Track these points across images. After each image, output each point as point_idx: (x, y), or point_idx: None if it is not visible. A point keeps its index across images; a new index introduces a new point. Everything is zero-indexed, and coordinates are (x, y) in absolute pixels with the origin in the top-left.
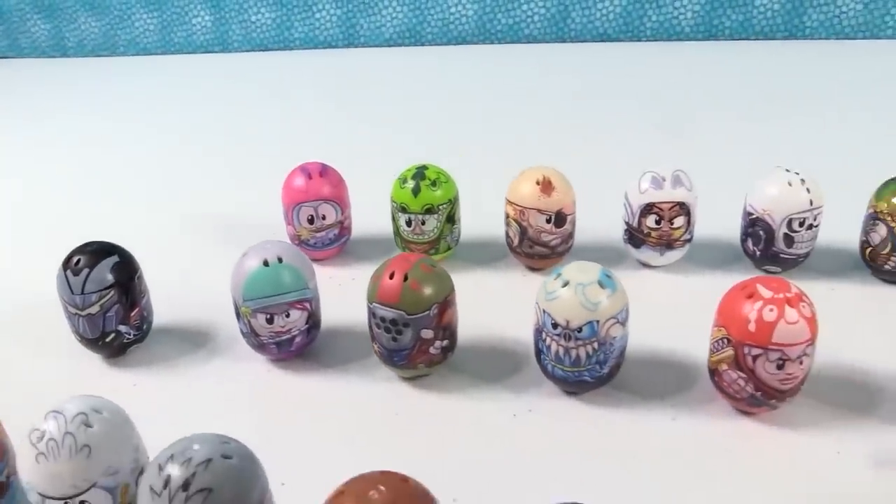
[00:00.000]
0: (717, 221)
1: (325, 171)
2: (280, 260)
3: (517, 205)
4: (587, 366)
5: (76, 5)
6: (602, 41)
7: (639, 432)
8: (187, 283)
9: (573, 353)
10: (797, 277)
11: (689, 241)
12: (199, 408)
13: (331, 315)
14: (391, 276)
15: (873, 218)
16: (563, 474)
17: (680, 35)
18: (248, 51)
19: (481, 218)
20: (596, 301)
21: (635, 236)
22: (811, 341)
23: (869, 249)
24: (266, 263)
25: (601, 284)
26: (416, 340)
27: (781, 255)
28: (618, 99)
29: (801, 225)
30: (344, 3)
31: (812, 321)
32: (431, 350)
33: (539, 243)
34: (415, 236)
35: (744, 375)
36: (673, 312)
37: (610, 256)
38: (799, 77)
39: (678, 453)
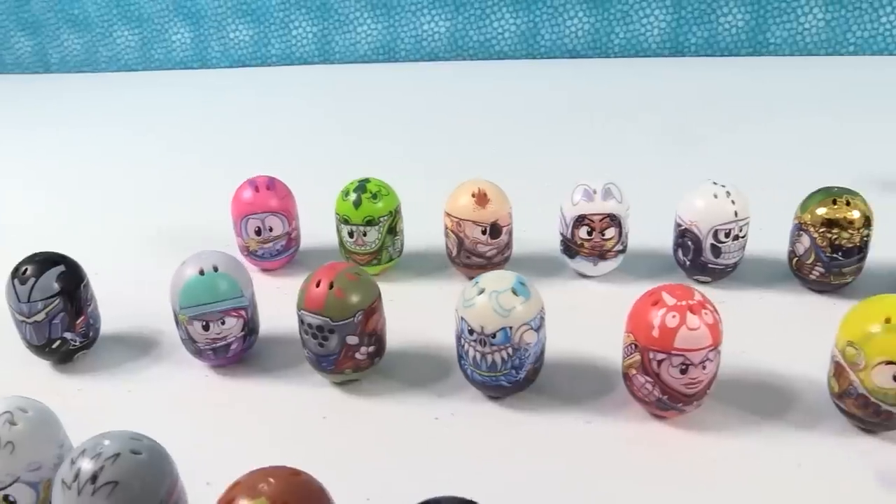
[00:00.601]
0: (658, 232)
1: (272, 184)
2: (216, 269)
3: (454, 216)
4: (503, 371)
5: (59, 22)
6: (571, 58)
7: (555, 435)
8: (139, 292)
9: (489, 358)
10: (727, 287)
11: (622, 251)
12: (138, 411)
13: (274, 323)
14: (317, 285)
15: (798, 229)
16: (477, 475)
17: (647, 52)
18: (226, 67)
19: (434, 230)
20: (509, 308)
21: (570, 247)
22: (713, 347)
23: (795, 259)
24: (202, 272)
25: (515, 292)
26: (342, 346)
27: (710, 266)
28: (585, 114)
29: (727, 236)
30: (319, 20)
31: (714, 328)
32: (357, 356)
33: (475, 254)
34: (357, 247)
35: (651, 380)
36: (603, 320)
37: (549, 267)
38: (762, 92)
39: (591, 455)
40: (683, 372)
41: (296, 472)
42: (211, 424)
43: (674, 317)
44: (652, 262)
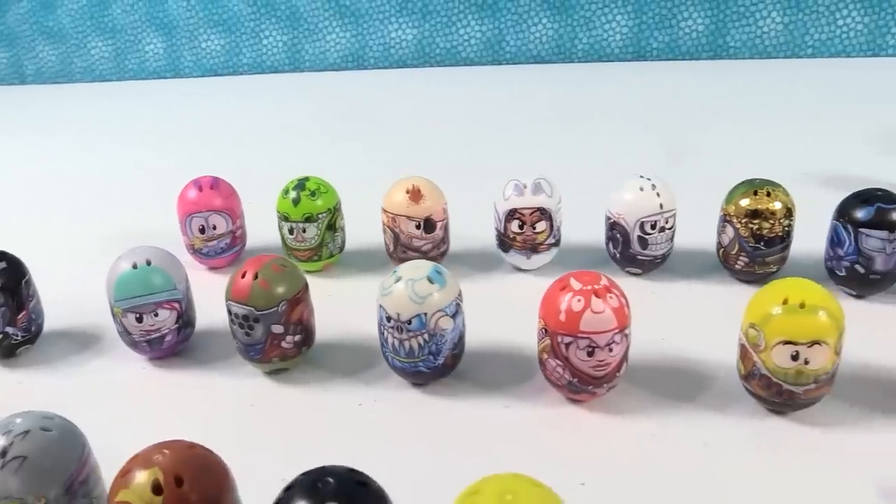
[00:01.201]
0: (594, 226)
1: (216, 183)
2: (148, 263)
3: (389, 212)
4: (421, 357)
5: (34, 34)
6: (536, 63)
7: (473, 419)
8: (86, 289)
9: (406, 344)
10: (658, 278)
11: (554, 244)
12: (76, 402)
13: (215, 318)
14: (243, 276)
15: (723, 220)
16: (396, 459)
17: (610, 56)
18: (199, 76)
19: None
20: (424, 295)
21: (504, 241)
22: (619, 330)
23: (721, 250)
24: (135, 266)
25: (430, 280)
26: (268, 335)
27: (639, 257)
28: (550, 117)
29: (653, 227)
30: (289, 29)
31: (620, 311)
32: (284, 344)
33: (411, 248)
34: (297, 244)
35: (560, 363)
36: (531, 312)
37: (488, 261)
38: (723, 95)
39: (507, 439)
40: (590, 354)
41: (192, 446)
42: (144, 414)
43: (579, 301)
44: (586, 256)
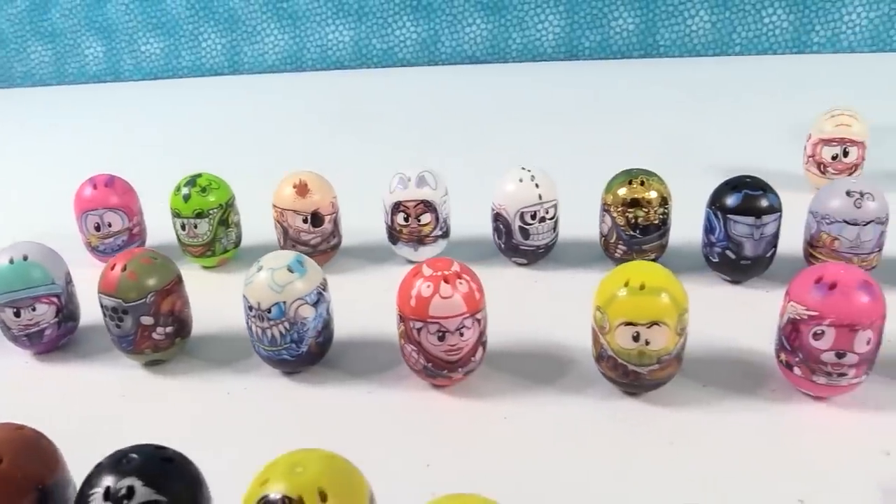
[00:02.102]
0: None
1: (111, 181)
2: (25, 258)
3: (278, 207)
4: (283, 345)
5: None
6: (471, 63)
7: (338, 405)
8: None
9: (269, 332)
10: (543, 268)
11: (441, 236)
12: None
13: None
14: (112, 268)
15: (602, 210)
16: (259, 446)
17: (543, 56)
18: (139, 80)
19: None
20: (283, 283)
21: (392, 234)
22: (469, 315)
23: (603, 239)
24: (11, 261)
25: (290, 269)
26: (137, 327)
27: (521, 247)
28: (484, 117)
29: (532, 217)
30: (228, 32)
31: (470, 296)
32: (155, 336)
33: (300, 242)
34: (190, 239)
35: (415, 348)
36: None
37: (382, 254)
38: (653, 92)
39: (368, 423)
40: (441, 339)
41: (19, 427)
42: (23, 408)
43: (428, 286)
44: (476, 247)
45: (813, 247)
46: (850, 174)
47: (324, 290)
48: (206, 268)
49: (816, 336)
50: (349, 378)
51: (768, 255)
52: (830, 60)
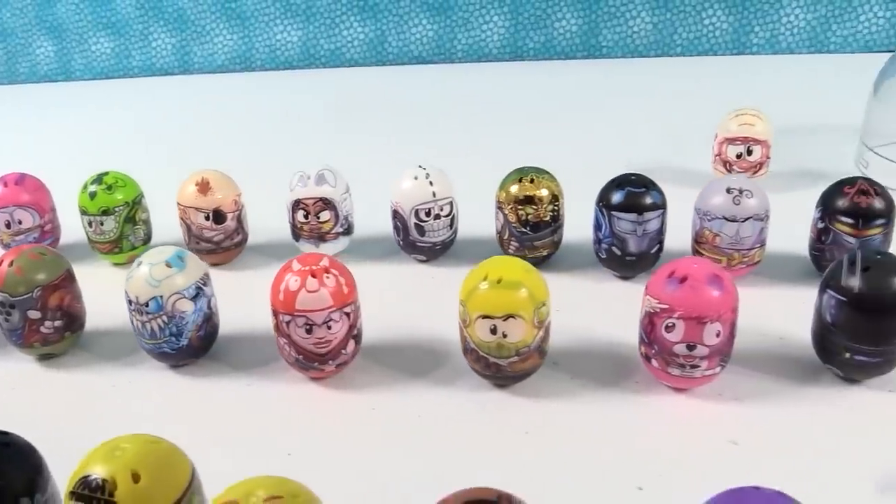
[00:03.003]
0: None
1: (21, 179)
2: None
3: (181, 205)
4: (163, 338)
5: None
6: (418, 63)
7: (216, 397)
8: None
9: (148, 326)
10: (442, 264)
11: (343, 233)
12: None
13: None
14: (0, 264)
15: (497, 207)
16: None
17: (488, 56)
18: (90, 79)
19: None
20: (160, 278)
21: (294, 231)
22: (336, 308)
23: (497, 236)
24: None
25: (168, 264)
26: (25, 321)
27: (419, 244)
28: (430, 116)
29: (427, 215)
30: (178, 32)
31: (338, 290)
32: (43, 329)
33: (203, 239)
34: (97, 236)
35: (286, 341)
36: None
37: (288, 251)
38: (595, 91)
39: (244, 414)
40: (309, 332)
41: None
42: None
43: (296, 281)
44: (380, 244)
45: (698, 243)
46: (754, 172)
47: (204, 285)
48: (116, 264)
49: (668, 328)
50: (232, 371)
51: (653, 251)
52: (769, 61)
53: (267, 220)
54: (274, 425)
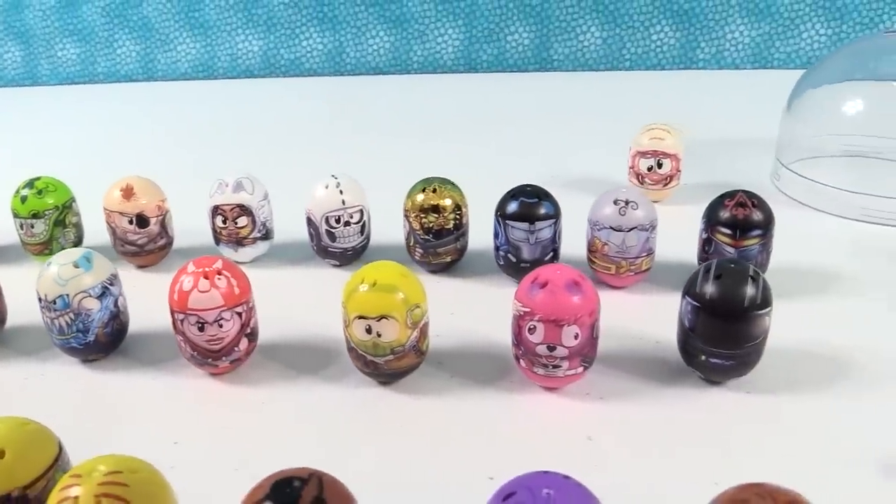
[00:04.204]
0: None
1: None
2: None
3: (106, 209)
4: (71, 334)
5: None
6: (375, 74)
7: (121, 390)
8: None
9: (56, 323)
10: (356, 269)
11: (260, 238)
12: None
13: None
14: None
15: (404, 215)
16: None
17: (443, 68)
18: (55, 84)
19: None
20: (66, 278)
21: (214, 235)
22: (228, 308)
23: (405, 243)
24: None
25: (75, 264)
26: None
27: (330, 249)
28: (386, 126)
29: (337, 221)
30: (142, 39)
31: (229, 291)
32: None
33: (128, 242)
34: (28, 238)
35: (182, 338)
36: None
37: (211, 255)
38: (546, 104)
39: (140, 407)
40: (201, 329)
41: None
42: None
43: (189, 281)
44: (300, 249)
45: (590, 252)
46: (665, 185)
47: (111, 285)
48: None
49: (531, 330)
50: (140, 366)
51: (546, 258)
52: (715, 76)
53: (203, 225)
54: (167, 416)
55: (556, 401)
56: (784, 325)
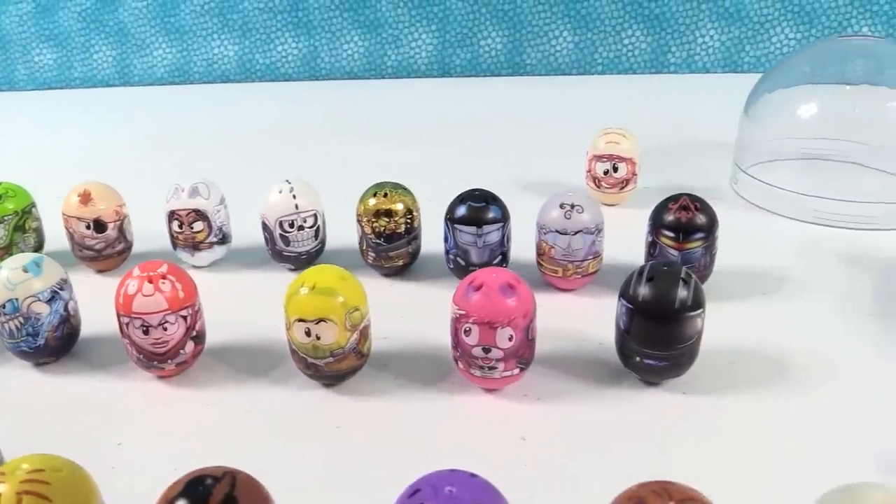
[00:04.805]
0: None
1: None
2: None
3: (64, 214)
4: (21, 338)
5: None
6: (350, 79)
7: (70, 392)
8: None
9: (6, 326)
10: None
11: (217, 243)
12: None
13: None
14: None
15: (357, 220)
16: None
17: (417, 72)
18: (32, 90)
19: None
20: (16, 282)
21: (172, 240)
22: (171, 311)
23: (358, 247)
24: None
25: (25, 269)
26: None
27: (285, 253)
28: (362, 130)
29: (290, 226)
30: (118, 44)
31: (173, 295)
32: None
33: (85, 247)
34: None
35: (127, 341)
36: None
37: (170, 260)
38: (519, 107)
39: (88, 409)
40: (146, 332)
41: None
42: None
43: (134, 285)
44: (257, 253)
45: (539, 255)
46: (621, 188)
47: (61, 289)
48: None
49: (466, 332)
50: (90, 369)
51: (494, 261)
52: (685, 80)
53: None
54: (112, 418)
55: (494, 402)
56: (726, 327)
